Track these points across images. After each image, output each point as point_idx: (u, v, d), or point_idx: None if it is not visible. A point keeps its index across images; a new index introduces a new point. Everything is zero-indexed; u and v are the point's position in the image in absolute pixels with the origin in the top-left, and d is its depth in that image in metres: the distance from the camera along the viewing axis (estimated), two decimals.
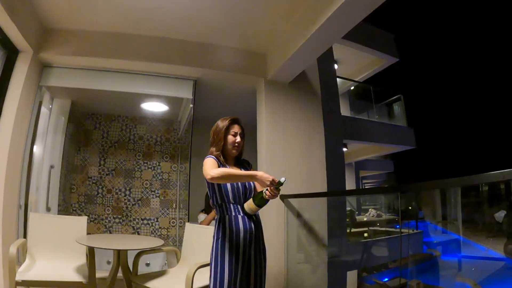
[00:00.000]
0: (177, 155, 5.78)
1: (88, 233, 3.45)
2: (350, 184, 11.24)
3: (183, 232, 3.44)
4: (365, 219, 11.55)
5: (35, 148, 4.13)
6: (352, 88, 9.84)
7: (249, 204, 2.22)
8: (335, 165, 4.79)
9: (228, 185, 2.26)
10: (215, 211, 2.33)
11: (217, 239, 2.22)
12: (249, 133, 4.70)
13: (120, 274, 2.93)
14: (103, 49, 4.02)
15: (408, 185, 2.68)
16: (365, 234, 9.85)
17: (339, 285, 5.60)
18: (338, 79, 7.56)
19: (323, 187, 4.29)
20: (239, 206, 2.27)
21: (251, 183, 2.37)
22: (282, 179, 2.06)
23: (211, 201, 2.35)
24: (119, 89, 4.30)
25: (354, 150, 11.26)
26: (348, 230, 8.44)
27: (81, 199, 5.41)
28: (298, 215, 4.06)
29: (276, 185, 2.06)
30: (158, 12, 3.67)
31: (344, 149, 9.04)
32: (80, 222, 3.38)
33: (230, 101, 5.25)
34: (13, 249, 2.70)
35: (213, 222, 2.40)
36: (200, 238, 3.20)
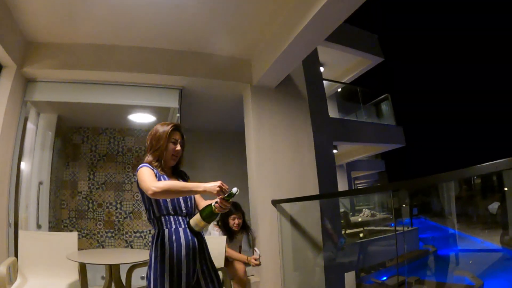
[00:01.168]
0: None
1: (80, 249, 3.39)
2: (342, 186, 11.24)
3: None
4: (359, 219, 11.55)
5: (22, 165, 4.07)
6: (339, 90, 9.87)
7: (196, 220, 1.93)
8: (325, 167, 4.79)
9: None
10: (152, 227, 2.03)
11: (155, 259, 1.89)
12: (238, 140, 4.74)
13: None
14: (86, 62, 3.99)
15: (401, 183, 2.64)
16: (361, 235, 9.84)
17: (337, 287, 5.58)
18: (324, 81, 7.58)
19: (315, 190, 4.28)
20: (180, 218, 1.99)
21: None
22: (234, 190, 1.78)
23: (147, 215, 2.05)
24: (104, 101, 4.27)
25: (345, 152, 11.27)
26: (343, 232, 8.44)
27: (72, 215, 5.35)
28: (292, 220, 4.05)
29: (226, 197, 1.79)
30: (139, 23, 3.68)
31: (335, 151, 9.06)
32: (70, 238, 3.30)
33: (217, 108, 5.25)
34: (2, 269, 2.62)
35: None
36: None
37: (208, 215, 1.89)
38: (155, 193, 1.77)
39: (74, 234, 3.34)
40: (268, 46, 3.89)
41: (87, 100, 4.26)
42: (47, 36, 3.88)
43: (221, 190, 1.76)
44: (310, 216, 4.21)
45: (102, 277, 3.90)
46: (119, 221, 5.45)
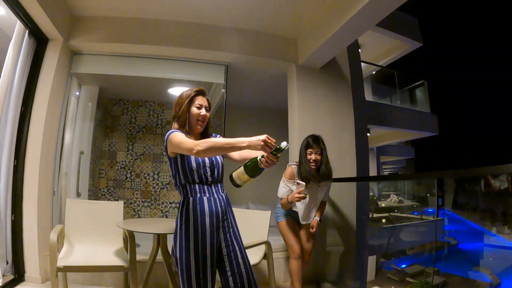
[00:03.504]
0: None
1: None
2: (372, 170, 11.09)
3: None
4: (383, 205, 11.50)
5: (64, 135, 4.18)
6: (373, 72, 9.71)
7: (239, 173, 1.81)
8: (360, 150, 4.77)
9: (193, 162, 1.97)
10: (179, 194, 2.04)
11: (180, 226, 1.94)
12: (280, 117, 4.75)
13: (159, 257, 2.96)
14: (132, 35, 4.03)
15: (445, 172, 2.56)
16: (383, 220, 9.82)
17: (363, 269, 5.63)
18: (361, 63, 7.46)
19: (353, 171, 4.30)
20: (205, 187, 1.99)
21: (219, 158, 2.10)
22: (283, 144, 1.68)
23: (173, 182, 2.06)
24: (149, 75, 4.31)
25: (376, 136, 11.16)
26: (370, 215, 8.44)
27: (110, 184, 5.53)
28: (329, 199, 4.08)
29: (274, 151, 1.67)
30: None
31: (367, 134, 8.98)
32: (116, 207, 3.42)
33: (260, 85, 5.26)
34: (53, 236, 2.69)
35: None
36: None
37: (252, 168, 1.76)
38: (198, 152, 1.74)
39: (120, 203, 3.46)
40: (317, 27, 3.85)
41: (132, 73, 4.32)
42: (93, 10, 3.91)
43: (266, 144, 1.65)
44: (346, 196, 4.23)
45: (137, 245, 4.00)
46: (155, 191, 5.61)
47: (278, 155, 1.69)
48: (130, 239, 2.90)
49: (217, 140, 1.82)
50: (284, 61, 4.31)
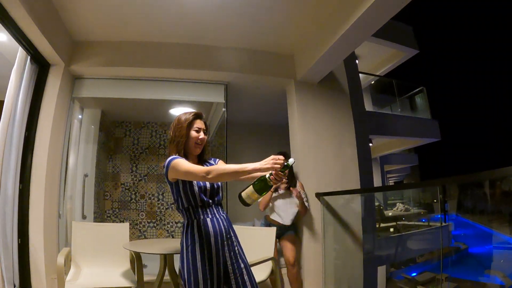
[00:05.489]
0: None
1: None
2: (376, 179, 11.07)
3: None
4: (390, 214, 11.43)
5: (68, 158, 4.21)
6: (372, 82, 9.75)
7: (249, 193, 1.85)
8: (362, 161, 4.79)
9: (195, 186, 2.00)
10: (182, 216, 2.10)
11: (186, 248, 1.98)
12: (281, 133, 4.79)
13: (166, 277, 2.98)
14: (132, 59, 4.09)
15: (449, 178, 2.57)
16: (391, 229, 9.75)
17: (372, 281, 5.59)
18: (359, 74, 7.50)
19: (356, 184, 4.30)
20: (207, 209, 2.04)
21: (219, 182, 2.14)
22: (291, 161, 1.75)
23: (175, 205, 2.10)
24: (150, 97, 4.37)
25: (379, 145, 11.15)
26: (377, 225, 8.39)
27: (115, 206, 5.55)
28: (334, 212, 4.08)
29: (282, 169, 1.73)
30: (185, 20, 3.72)
31: (370, 144, 8.97)
32: (122, 229, 3.45)
33: (260, 102, 5.31)
34: (61, 259, 2.70)
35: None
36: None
37: (262, 187, 1.82)
38: (212, 179, 1.81)
39: (126, 225, 3.48)
40: (312, 42, 3.90)
41: (133, 96, 4.37)
42: (93, 35, 3.98)
43: (275, 163, 1.70)
44: (351, 208, 4.24)
45: (144, 266, 4.02)
46: (160, 211, 5.64)
47: (286, 171, 1.77)
48: (137, 260, 2.94)
49: (228, 166, 1.84)
50: (282, 78, 4.36)
